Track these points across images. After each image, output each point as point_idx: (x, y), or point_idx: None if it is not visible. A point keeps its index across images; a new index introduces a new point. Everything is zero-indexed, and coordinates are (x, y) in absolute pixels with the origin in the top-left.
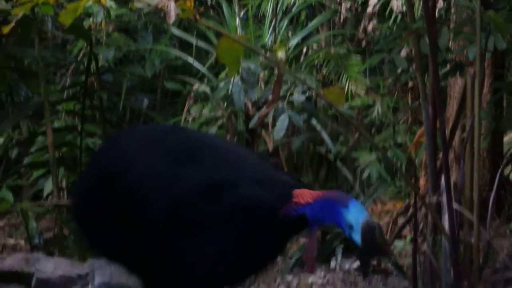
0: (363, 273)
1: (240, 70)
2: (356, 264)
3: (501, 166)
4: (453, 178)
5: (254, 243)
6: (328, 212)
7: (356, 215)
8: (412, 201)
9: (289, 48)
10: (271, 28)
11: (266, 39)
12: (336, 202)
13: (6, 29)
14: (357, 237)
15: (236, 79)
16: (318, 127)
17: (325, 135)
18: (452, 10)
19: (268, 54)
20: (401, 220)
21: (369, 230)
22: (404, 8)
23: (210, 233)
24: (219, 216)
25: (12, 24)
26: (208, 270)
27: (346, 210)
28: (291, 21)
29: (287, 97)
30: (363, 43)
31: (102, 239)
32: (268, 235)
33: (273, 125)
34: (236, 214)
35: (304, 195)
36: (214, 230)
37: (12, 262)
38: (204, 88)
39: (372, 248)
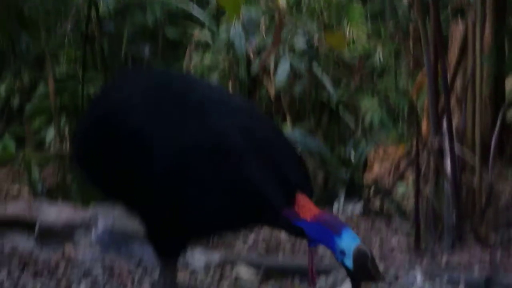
0: None
1: (241, 17)
2: (359, 207)
3: (503, 109)
4: (454, 122)
5: (247, 221)
6: (322, 236)
7: (348, 242)
8: (414, 145)
9: None
10: None
11: None
12: (329, 228)
13: None
14: (348, 262)
15: (237, 25)
16: (320, 73)
17: (326, 81)
18: None
19: (269, 0)
20: (403, 164)
21: (361, 256)
22: None
23: (207, 196)
24: (221, 185)
25: None
26: (199, 224)
27: (339, 238)
28: None
29: (288, 43)
30: None
31: (101, 179)
32: (262, 220)
33: (275, 72)
34: (238, 192)
35: (305, 208)
36: (213, 195)
37: (15, 209)
38: (205, 35)
39: (363, 273)
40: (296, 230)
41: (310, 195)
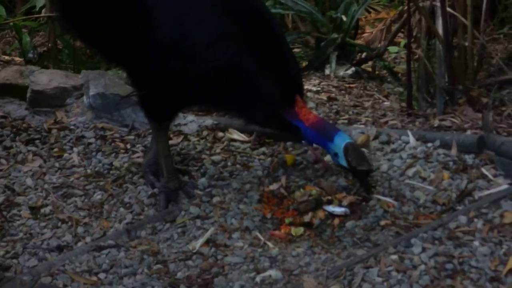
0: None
1: None
2: (350, 70)
3: None
4: None
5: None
6: (317, 140)
7: (339, 145)
8: (406, 8)
9: None
10: None
11: None
12: (323, 136)
13: None
14: (342, 161)
15: None
16: None
17: None
18: None
19: None
20: (394, 27)
21: (348, 151)
22: None
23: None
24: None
25: None
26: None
27: (332, 143)
28: None
29: None
30: None
31: (91, 32)
32: (257, 118)
33: None
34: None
35: (302, 111)
36: (222, 77)
37: (6, 74)
38: None
39: (357, 164)
40: (293, 129)
41: (302, 94)
